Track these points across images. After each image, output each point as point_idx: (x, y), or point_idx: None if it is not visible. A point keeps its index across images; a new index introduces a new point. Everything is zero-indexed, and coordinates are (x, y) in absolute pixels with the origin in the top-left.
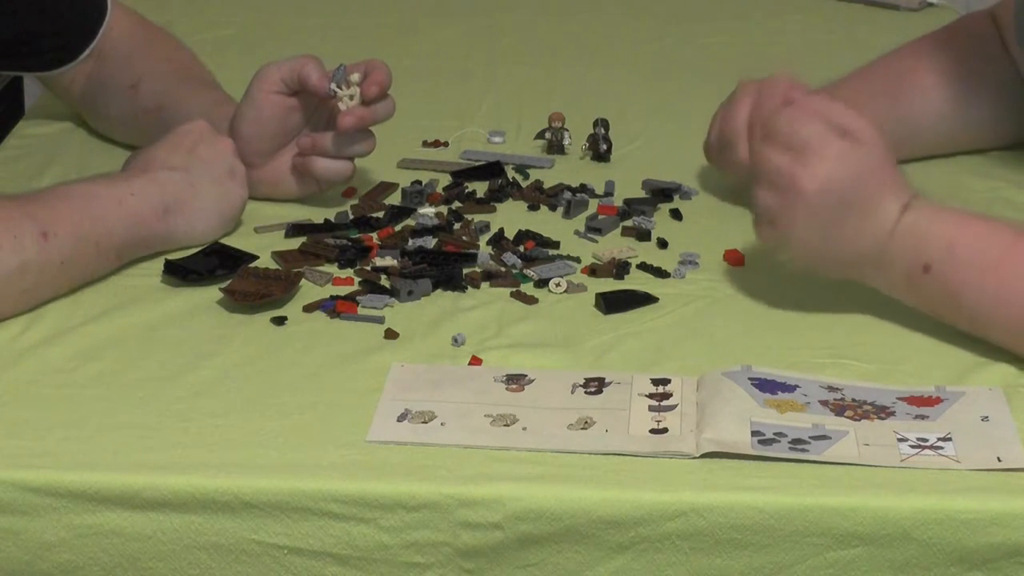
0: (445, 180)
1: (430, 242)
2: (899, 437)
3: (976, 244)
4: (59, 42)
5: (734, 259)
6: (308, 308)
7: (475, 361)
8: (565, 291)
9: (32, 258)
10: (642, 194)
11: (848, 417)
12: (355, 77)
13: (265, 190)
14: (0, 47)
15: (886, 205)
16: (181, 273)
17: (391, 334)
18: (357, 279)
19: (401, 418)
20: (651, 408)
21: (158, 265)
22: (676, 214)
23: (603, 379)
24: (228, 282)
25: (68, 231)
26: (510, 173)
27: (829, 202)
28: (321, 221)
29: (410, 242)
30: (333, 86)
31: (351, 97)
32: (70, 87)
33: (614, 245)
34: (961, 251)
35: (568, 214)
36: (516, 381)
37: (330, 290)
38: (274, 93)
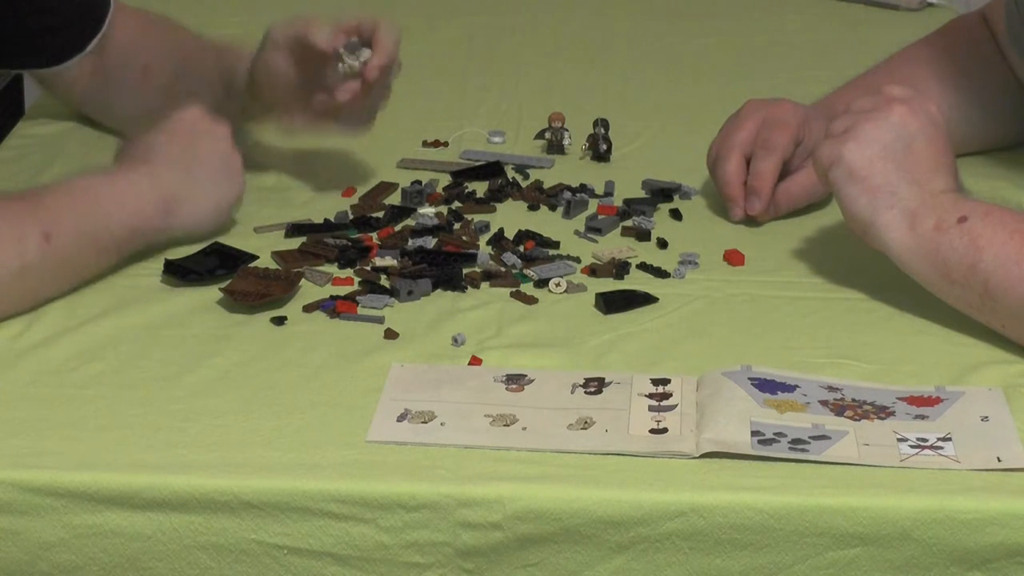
0: (445, 180)
1: (430, 242)
2: (899, 437)
3: (1010, 214)
4: (62, 37)
5: (734, 259)
6: (308, 308)
7: (475, 361)
8: (565, 291)
9: (34, 260)
10: (642, 194)
11: (848, 417)
12: (365, 54)
13: (291, 134)
14: (2, 45)
15: (940, 177)
16: (181, 273)
17: (391, 334)
18: (357, 279)
19: (401, 418)
20: (651, 408)
21: (158, 265)
22: (676, 214)
23: (603, 379)
24: (228, 282)
25: (70, 231)
26: (510, 173)
27: (905, 133)
28: (321, 221)
29: (410, 242)
30: (342, 51)
31: (351, 68)
32: (72, 85)
33: (614, 245)
34: (996, 215)
35: (568, 214)
36: (516, 381)
37: (330, 290)
38: (282, 53)
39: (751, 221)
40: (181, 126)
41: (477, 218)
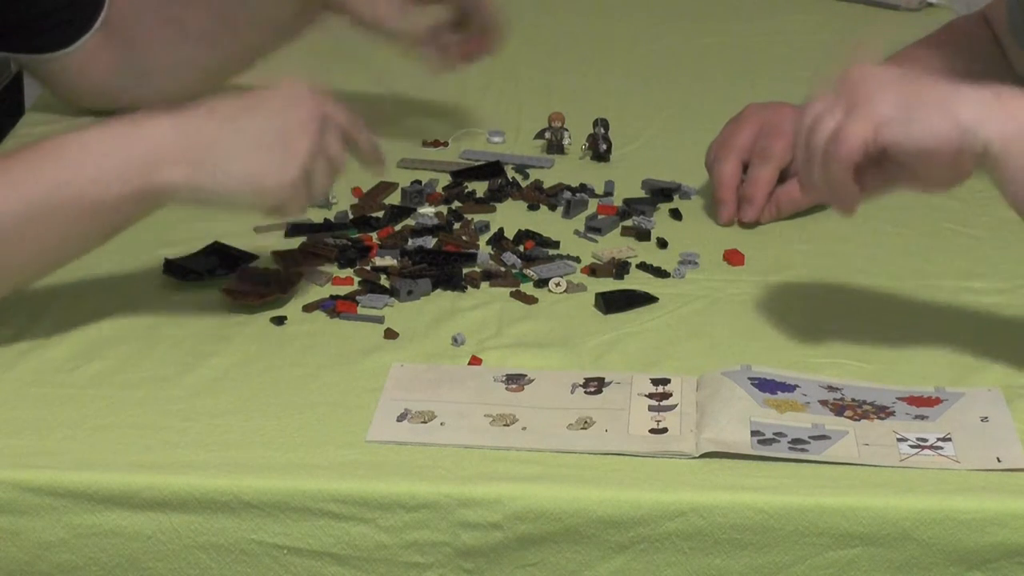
0: (445, 180)
1: (430, 242)
2: (899, 437)
3: None
4: (65, 18)
5: (734, 259)
6: (308, 308)
7: (475, 361)
8: (565, 291)
9: None
10: (642, 194)
11: (848, 417)
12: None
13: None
14: (9, 29)
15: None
16: (181, 273)
17: (391, 334)
18: (357, 279)
19: (401, 418)
20: (651, 408)
21: (158, 265)
22: (676, 214)
23: (603, 379)
24: (228, 282)
25: (24, 200)
26: (510, 173)
27: (886, 68)
28: (321, 221)
29: (410, 242)
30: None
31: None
32: (86, 71)
33: (614, 245)
34: None
35: (568, 214)
36: (516, 381)
37: (330, 290)
38: None
39: (748, 221)
40: (260, 90)
41: (477, 218)
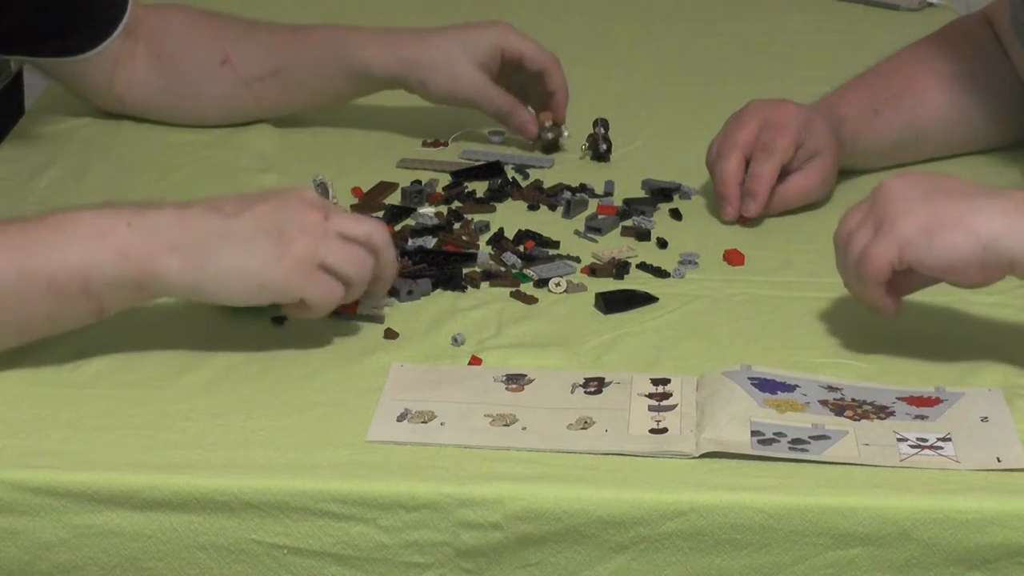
0: (445, 180)
1: (430, 242)
2: (899, 437)
3: None
4: (89, 22)
5: (734, 259)
6: None
7: (475, 361)
8: (565, 291)
9: None
10: (642, 194)
11: (848, 417)
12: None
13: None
14: (32, 33)
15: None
16: None
17: (391, 334)
18: None
19: (401, 418)
20: (651, 408)
21: None
22: (676, 214)
23: (603, 379)
24: None
25: (9, 263)
26: (510, 173)
27: (918, 180)
28: None
29: (410, 242)
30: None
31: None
32: (113, 77)
33: (614, 245)
34: None
35: (568, 214)
36: (516, 381)
37: None
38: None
39: (748, 221)
40: (269, 191)
41: (477, 218)
